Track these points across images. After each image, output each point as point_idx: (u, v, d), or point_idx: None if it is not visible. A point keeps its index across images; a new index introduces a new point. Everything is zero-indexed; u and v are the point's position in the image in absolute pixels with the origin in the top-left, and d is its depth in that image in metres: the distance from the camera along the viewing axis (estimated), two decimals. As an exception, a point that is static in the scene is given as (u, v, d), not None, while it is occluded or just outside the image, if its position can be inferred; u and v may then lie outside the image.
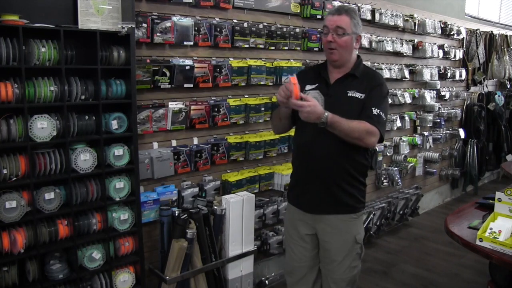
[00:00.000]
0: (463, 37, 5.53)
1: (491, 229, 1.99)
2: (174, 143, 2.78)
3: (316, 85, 2.13)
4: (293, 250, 2.27)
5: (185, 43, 2.70)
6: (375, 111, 2.02)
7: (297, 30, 3.37)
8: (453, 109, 5.50)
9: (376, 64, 4.17)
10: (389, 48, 4.20)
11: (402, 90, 4.58)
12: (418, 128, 4.94)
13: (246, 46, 3.02)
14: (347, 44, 2.02)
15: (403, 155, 4.62)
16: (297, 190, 2.22)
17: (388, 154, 4.48)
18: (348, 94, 2.06)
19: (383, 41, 4.16)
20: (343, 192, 2.10)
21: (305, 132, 2.13)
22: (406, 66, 4.60)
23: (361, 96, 2.05)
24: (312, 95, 1.91)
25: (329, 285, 2.21)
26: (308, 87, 2.12)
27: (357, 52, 2.15)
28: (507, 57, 6.07)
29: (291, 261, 2.29)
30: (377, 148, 4.20)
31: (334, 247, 2.14)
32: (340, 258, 2.14)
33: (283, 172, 3.27)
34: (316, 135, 2.06)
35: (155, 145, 2.70)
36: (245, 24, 3.03)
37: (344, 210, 2.12)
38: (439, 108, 5.18)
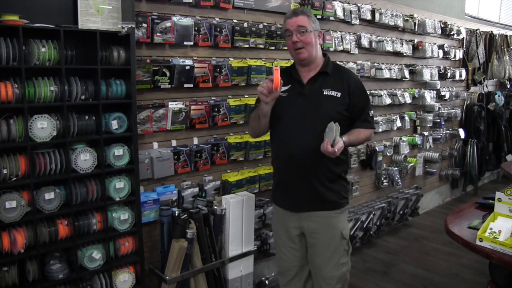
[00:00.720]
0: (463, 37, 5.53)
1: (491, 229, 1.99)
2: (174, 143, 2.78)
3: (289, 86, 2.18)
4: (282, 251, 2.30)
5: (185, 43, 2.70)
6: (371, 113, 2.21)
7: (297, 30, 3.36)
8: (453, 109, 5.50)
9: (376, 64, 4.17)
10: (389, 48, 4.20)
11: (402, 90, 4.58)
12: (418, 128, 4.94)
13: (246, 46, 3.02)
14: (311, 41, 2.11)
15: (403, 155, 4.61)
16: (281, 190, 2.26)
17: (388, 154, 4.48)
18: (324, 93, 2.12)
19: (383, 41, 4.16)
20: (326, 188, 2.14)
21: (283, 133, 2.16)
22: (406, 66, 4.60)
23: (337, 94, 2.12)
24: (329, 127, 1.98)
25: (320, 284, 2.22)
26: (282, 89, 2.15)
27: (322, 48, 2.24)
28: (507, 57, 6.06)
29: (281, 262, 2.33)
30: (377, 148, 4.21)
31: (321, 243, 2.17)
32: (328, 255, 2.17)
33: (283, 172, 3.26)
34: (294, 134, 2.11)
35: (155, 145, 2.70)
36: (245, 24, 3.03)
37: (328, 206, 2.16)
38: (439, 108, 5.17)
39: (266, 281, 3.32)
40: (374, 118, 2.28)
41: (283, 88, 2.15)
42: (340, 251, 2.18)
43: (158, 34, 2.56)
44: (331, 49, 3.62)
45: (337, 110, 2.10)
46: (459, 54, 5.46)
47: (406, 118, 4.64)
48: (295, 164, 2.12)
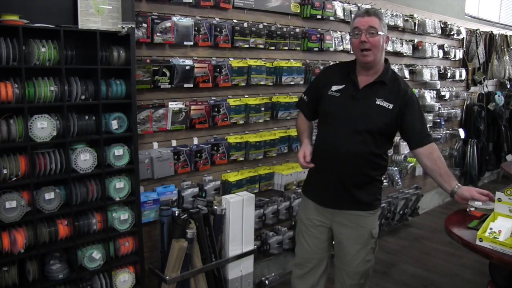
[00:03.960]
0: (463, 37, 5.53)
1: (491, 229, 1.99)
2: (174, 143, 2.78)
3: (343, 86, 2.15)
4: (306, 241, 2.28)
5: (185, 43, 2.70)
6: (428, 127, 2.23)
7: (297, 30, 3.36)
8: (453, 109, 5.50)
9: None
10: (389, 48, 4.20)
11: (402, 90, 4.57)
12: (418, 128, 4.93)
13: (246, 46, 3.02)
14: (379, 44, 2.05)
15: (403, 155, 4.61)
16: (316, 186, 2.25)
17: (388, 154, 4.47)
18: (376, 102, 2.09)
19: (383, 41, 4.15)
20: (361, 191, 2.14)
21: (329, 133, 2.15)
22: (406, 66, 4.60)
23: (388, 106, 2.08)
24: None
25: (344, 279, 2.23)
26: (334, 87, 2.14)
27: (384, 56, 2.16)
28: (507, 57, 6.06)
29: (303, 253, 2.30)
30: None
31: (350, 240, 2.18)
32: (355, 251, 2.17)
33: (283, 172, 3.27)
34: (339, 137, 2.10)
35: (155, 145, 2.70)
36: (245, 24, 3.03)
37: (362, 207, 2.17)
38: (439, 108, 5.17)
39: (266, 281, 3.32)
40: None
41: (336, 87, 2.14)
42: (367, 249, 2.19)
43: (158, 34, 2.55)
44: (331, 49, 3.61)
45: (386, 122, 2.07)
46: (459, 54, 5.45)
47: (406, 118, 4.63)
48: (335, 165, 2.11)
